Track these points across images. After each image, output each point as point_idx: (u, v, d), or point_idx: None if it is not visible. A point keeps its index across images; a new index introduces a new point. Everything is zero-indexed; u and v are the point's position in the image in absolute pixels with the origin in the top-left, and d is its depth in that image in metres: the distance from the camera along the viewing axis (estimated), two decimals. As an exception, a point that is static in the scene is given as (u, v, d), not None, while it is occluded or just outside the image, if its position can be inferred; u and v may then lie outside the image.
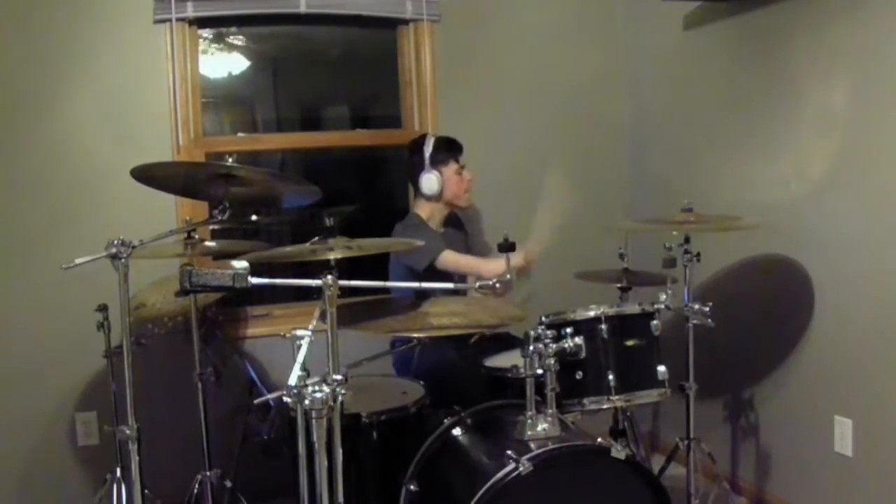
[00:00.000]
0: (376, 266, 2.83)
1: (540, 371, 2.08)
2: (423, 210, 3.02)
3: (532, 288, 3.20)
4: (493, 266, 2.64)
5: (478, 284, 2.17)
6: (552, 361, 2.08)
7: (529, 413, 2.07)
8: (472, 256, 3.05)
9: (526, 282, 2.71)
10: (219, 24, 3.36)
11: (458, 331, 2.24)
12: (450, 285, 2.35)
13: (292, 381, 1.61)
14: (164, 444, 2.75)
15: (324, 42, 3.65)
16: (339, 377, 1.65)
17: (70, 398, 3.09)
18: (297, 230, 3.52)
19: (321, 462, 1.65)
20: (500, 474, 1.91)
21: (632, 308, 2.34)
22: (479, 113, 3.52)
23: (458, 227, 3.20)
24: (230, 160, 2.39)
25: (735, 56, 3.06)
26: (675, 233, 2.57)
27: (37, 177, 3.02)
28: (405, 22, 3.45)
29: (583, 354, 2.21)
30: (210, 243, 2.82)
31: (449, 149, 3.00)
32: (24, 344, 3.02)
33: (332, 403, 1.62)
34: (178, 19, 3.11)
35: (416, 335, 2.42)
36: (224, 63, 3.48)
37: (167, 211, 3.08)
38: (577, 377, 2.23)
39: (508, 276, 2.19)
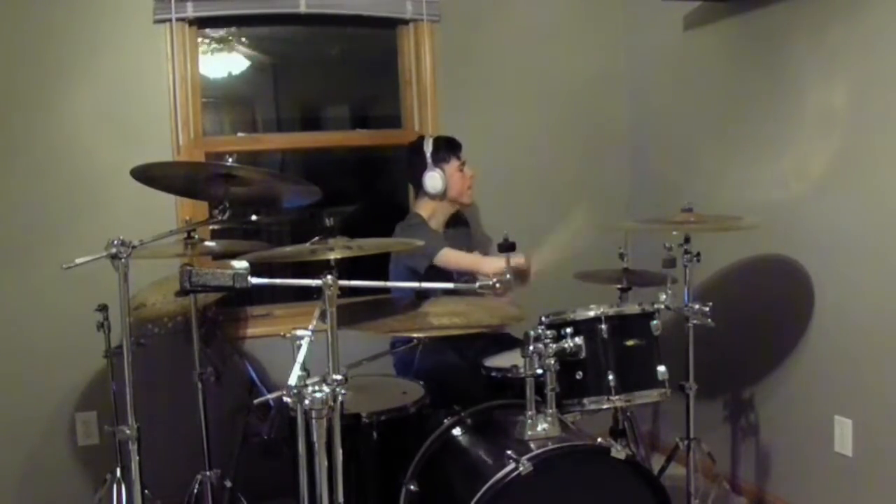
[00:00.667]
0: (376, 266, 2.83)
1: (540, 371, 2.08)
2: (424, 209, 3.02)
3: (532, 288, 3.20)
4: (494, 263, 2.64)
5: (478, 284, 2.17)
6: (552, 361, 2.08)
7: (529, 413, 2.07)
8: (472, 254, 3.05)
9: (523, 288, 2.71)
10: (219, 24, 3.36)
11: (458, 331, 2.24)
12: (450, 285, 2.35)
13: (292, 381, 1.61)
14: (164, 444, 2.75)
15: (324, 42, 3.65)
16: (339, 377, 1.65)
17: (70, 398, 3.09)
18: (297, 230, 3.53)
19: (321, 462, 1.65)
20: (500, 474, 1.91)
21: (632, 308, 2.34)
22: (479, 113, 3.52)
23: (462, 224, 3.19)
24: (230, 160, 2.39)
25: (735, 56, 3.06)
26: (675, 233, 2.57)
27: (37, 177, 3.02)
28: (405, 22, 3.45)
29: (583, 354, 2.21)
30: (210, 243, 2.81)
31: (449, 147, 3.00)
32: (24, 344, 3.02)
33: (332, 403, 1.63)
34: (178, 19, 3.11)
35: (416, 335, 2.42)
36: (224, 63, 3.48)
37: (167, 211, 3.08)
38: (577, 377, 2.24)
39: (508, 275, 2.19)
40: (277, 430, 2.73)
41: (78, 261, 2.07)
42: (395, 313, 2.27)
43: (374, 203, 3.78)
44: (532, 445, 2.00)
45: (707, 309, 2.52)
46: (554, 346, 2.11)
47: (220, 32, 3.42)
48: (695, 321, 2.56)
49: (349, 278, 1.82)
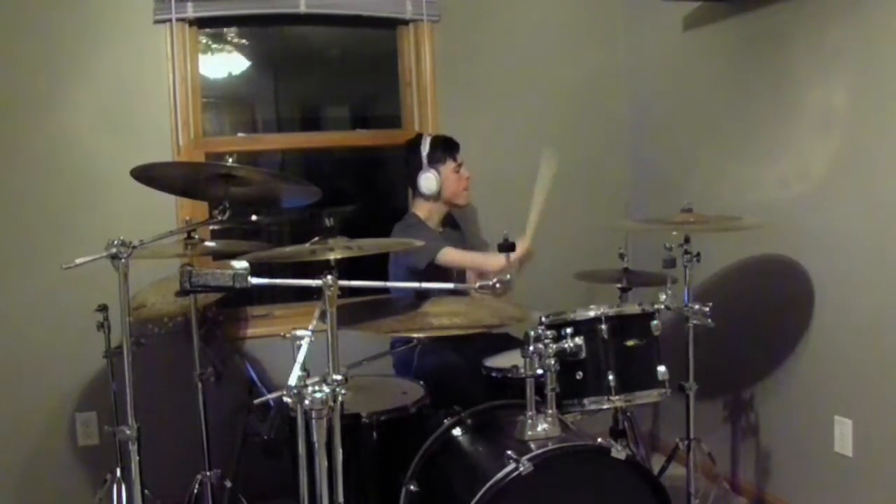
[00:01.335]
0: (376, 266, 2.83)
1: (540, 371, 2.08)
2: (421, 210, 3.03)
3: (532, 288, 3.20)
4: (496, 260, 2.64)
5: (478, 285, 2.17)
6: (552, 361, 2.08)
7: (529, 413, 2.07)
8: (474, 251, 3.04)
9: (526, 273, 2.72)
10: (219, 25, 3.36)
11: (458, 331, 2.24)
12: (450, 285, 2.35)
13: (292, 381, 1.61)
14: (164, 444, 2.75)
15: (324, 42, 3.65)
16: (339, 377, 1.65)
17: (70, 398, 3.09)
18: (297, 230, 3.53)
19: (321, 462, 1.65)
20: (500, 474, 1.91)
21: (632, 308, 2.34)
22: (479, 113, 3.52)
23: (455, 227, 3.20)
24: (230, 160, 2.39)
25: (735, 56, 3.06)
26: (675, 233, 2.57)
27: (37, 177, 3.03)
28: (405, 22, 3.45)
29: (583, 354, 2.21)
30: (210, 243, 2.82)
31: (445, 148, 3.00)
32: (24, 344, 3.02)
33: (332, 403, 1.63)
34: (178, 19, 3.12)
35: (416, 335, 2.42)
36: (224, 63, 3.48)
37: (167, 211, 3.08)
38: (577, 377, 2.24)
39: (508, 276, 2.19)
40: (277, 430, 2.72)
41: (78, 261, 2.07)
42: (394, 313, 2.27)
43: (373, 203, 3.78)
44: (532, 445, 1.99)
45: (707, 309, 2.52)
46: (554, 346, 2.11)
47: (220, 32, 3.42)
48: (695, 321, 2.55)
49: (349, 278, 1.82)
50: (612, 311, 2.28)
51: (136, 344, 2.51)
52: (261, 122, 3.72)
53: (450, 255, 2.86)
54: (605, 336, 2.25)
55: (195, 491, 2.70)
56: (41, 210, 3.03)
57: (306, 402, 1.60)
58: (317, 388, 1.61)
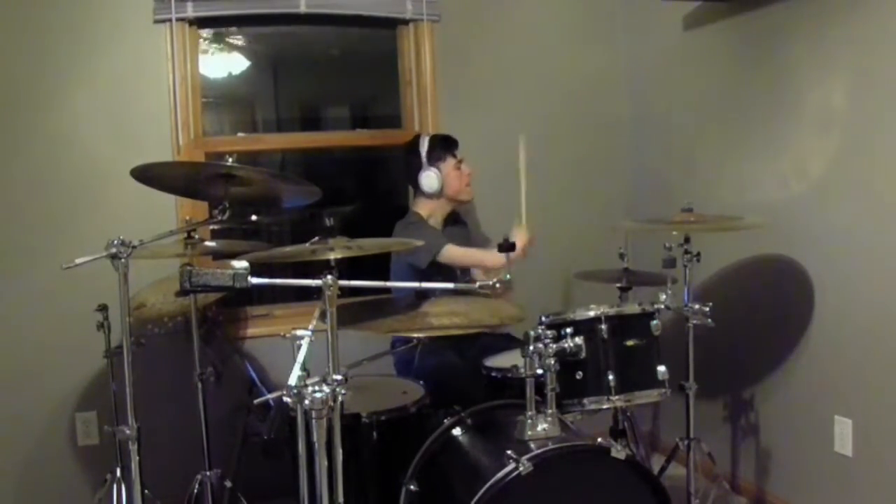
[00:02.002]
0: (376, 266, 2.83)
1: (540, 371, 2.08)
2: (423, 208, 3.03)
3: (532, 288, 3.20)
4: (498, 257, 2.64)
5: (478, 285, 2.17)
6: (552, 361, 2.08)
7: (529, 413, 2.07)
8: (476, 249, 3.05)
9: (526, 273, 2.72)
10: (219, 24, 3.36)
11: (458, 331, 2.24)
12: (450, 285, 2.35)
13: (292, 381, 1.61)
14: (164, 444, 2.75)
15: (324, 42, 3.65)
16: (339, 377, 1.65)
17: (70, 398, 3.09)
18: (297, 230, 3.53)
19: (321, 462, 1.65)
20: (500, 474, 1.91)
21: (632, 308, 2.34)
22: (479, 113, 3.51)
23: (459, 223, 3.20)
24: (230, 160, 2.38)
25: (735, 56, 3.06)
26: (675, 233, 2.57)
27: (37, 177, 3.02)
28: (405, 22, 3.45)
29: (583, 354, 2.21)
30: (210, 243, 2.82)
31: (444, 145, 3.01)
32: (24, 344, 3.01)
33: (332, 403, 1.63)
34: (178, 19, 3.11)
35: (416, 335, 2.42)
36: (224, 63, 3.48)
37: (167, 211, 3.08)
38: (577, 377, 2.23)
39: (508, 275, 2.19)
40: (277, 430, 2.72)
41: (78, 261, 2.07)
42: (395, 313, 2.27)
43: (374, 203, 3.78)
44: (532, 445, 1.99)
45: (707, 309, 2.52)
46: (554, 346, 2.11)
47: (220, 32, 3.42)
48: (695, 321, 2.56)
49: (349, 278, 1.82)
50: (612, 311, 2.28)
51: (136, 344, 2.50)
52: (261, 121, 3.72)
53: (451, 253, 2.86)
54: (605, 336, 2.25)
55: (195, 491, 2.70)
56: (41, 210, 3.02)
57: (306, 401, 1.60)
58: (317, 387, 1.61)
